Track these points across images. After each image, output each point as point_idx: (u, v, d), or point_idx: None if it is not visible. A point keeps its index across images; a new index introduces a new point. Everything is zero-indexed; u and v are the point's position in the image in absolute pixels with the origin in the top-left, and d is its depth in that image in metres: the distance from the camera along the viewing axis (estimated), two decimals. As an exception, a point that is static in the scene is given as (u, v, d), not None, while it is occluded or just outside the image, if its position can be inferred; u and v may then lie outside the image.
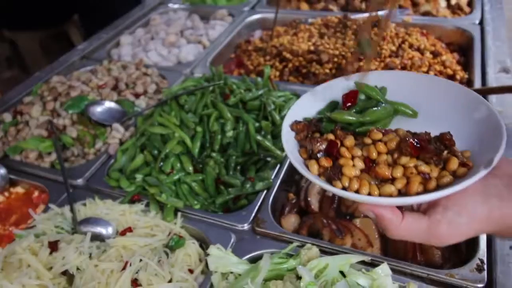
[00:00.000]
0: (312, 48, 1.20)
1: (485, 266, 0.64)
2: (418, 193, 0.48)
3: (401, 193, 0.50)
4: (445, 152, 0.52)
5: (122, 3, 1.78)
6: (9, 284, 0.59)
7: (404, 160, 0.51)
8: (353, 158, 0.53)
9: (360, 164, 0.52)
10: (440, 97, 0.59)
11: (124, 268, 0.63)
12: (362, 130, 0.56)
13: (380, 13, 1.12)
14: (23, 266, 0.64)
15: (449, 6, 1.46)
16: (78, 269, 0.64)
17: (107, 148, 0.96)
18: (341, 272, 0.63)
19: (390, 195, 0.49)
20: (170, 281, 0.64)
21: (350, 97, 0.60)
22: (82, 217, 0.78)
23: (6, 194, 0.92)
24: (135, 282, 0.62)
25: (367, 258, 0.66)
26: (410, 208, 0.53)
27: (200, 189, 0.82)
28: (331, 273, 0.62)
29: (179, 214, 0.78)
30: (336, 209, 0.83)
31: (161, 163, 0.86)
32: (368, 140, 0.54)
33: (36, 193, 0.91)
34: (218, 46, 1.35)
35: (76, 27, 2.83)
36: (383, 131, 0.55)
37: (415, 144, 0.50)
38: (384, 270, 0.63)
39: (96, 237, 0.72)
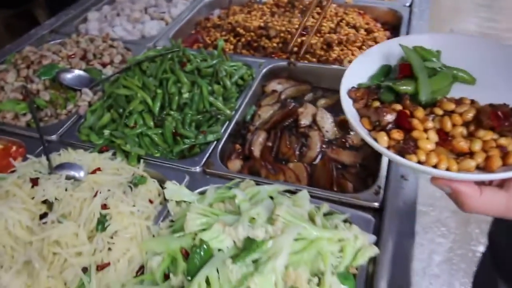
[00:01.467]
0: (262, 24, 1.35)
1: (382, 191, 0.82)
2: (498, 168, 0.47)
3: (478, 168, 0.48)
4: None
5: None
6: (0, 206, 0.72)
7: (482, 132, 0.49)
8: (425, 130, 0.51)
9: (434, 137, 0.50)
10: (503, 63, 0.56)
11: (95, 196, 0.77)
12: (429, 101, 0.54)
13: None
14: (10, 196, 0.77)
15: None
16: (56, 199, 0.78)
17: (78, 110, 1.09)
18: (271, 197, 0.80)
19: (469, 170, 0.47)
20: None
21: (407, 69, 0.57)
22: (57, 163, 0.91)
23: (-14, 149, 1.03)
24: (104, 206, 0.76)
25: (292, 188, 0.83)
26: (484, 184, 0.50)
27: (160, 140, 0.97)
28: (261, 196, 0.78)
29: (142, 160, 0.93)
30: (274, 156, 1.00)
31: (126, 120, 0.99)
32: (439, 111, 0.52)
33: (14, 148, 1.03)
34: (180, 22, 1.48)
35: (41, 7, 2.86)
36: (454, 100, 0.53)
37: (494, 114, 0.49)
38: (303, 194, 0.79)
39: (70, 178, 0.86)
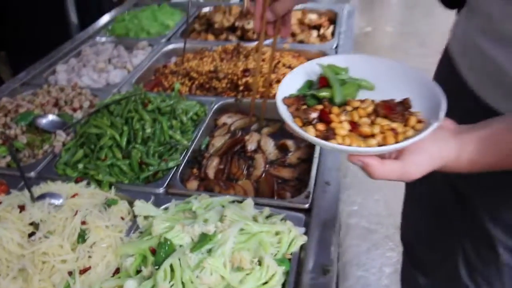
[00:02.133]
0: (212, 68, 1.58)
1: (310, 195, 1.03)
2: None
3: (379, 145, 0.63)
4: (406, 113, 0.66)
5: (51, 39, 2.04)
6: (-6, 228, 0.86)
7: (379, 120, 0.65)
8: (340, 122, 0.66)
9: (347, 126, 0.66)
10: (391, 74, 0.74)
11: (75, 214, 0.93)
12: (342, 102, 0.71)
13: (266, 42, 1.55)
14: (1, 220, 0.91)
15: (318, 35, 1.94)
16: (41, 220, 0.93)
17: (53, 149, 1.24)
18: (222, 206, 0.99)
19: (372, 147, 0.63)
20: (108, 223, 0.95)
21: (324, 81, 0.74)
22: (38, 195, 1.06)
23: (-30, 188, 1.16)
24: (83, 222, 0.92)
25: (239, 198, 1.02)
26: (385, 157, 0.66)
27: (127, 169, 1.15)
28: (214, 205, 0.96)
29: (113, 187, 1.09)
30: (226, 177, 1.20)
31: (98, 154, 1.16)
32: (349, 108, 0.69)
33: (-4, 186, 1.17)
34: (140, 70, 1.69)
35: (3, 63, 3.00)
36: (359, 100, 0.70)
37: (386, 106, 0.66)
38: (248, 201, 0.98)
39: (51, 205, 1.01)
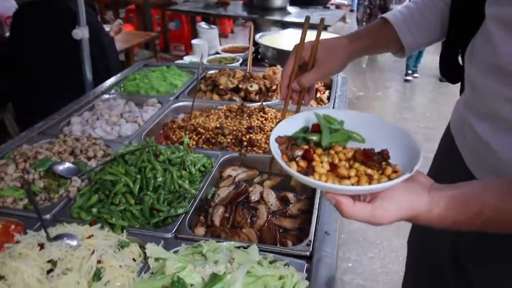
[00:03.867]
0: (218, 125, 1.71)
1: (311, 243, 1.11)
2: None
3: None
4: (383, 163, 0.72)
5: (56, 95, 2.17)
6: (17, 263, 0.92)
7: (357, 165, 0.72)
8: (321, 162, 0.73)
9: (326, 166, 0.72)
10: (380, 130, 0.83)
11: (92, 253, 0.99)
12: (327, 146, 0.79)
13: (266, 103, 1.70)
14: (23, 256, 0.97)
15: (316, 99, 2.10)
16: (59, 258, 0.99)
17: (68, 194, 1.32)
18: (229, 250, 1.05)
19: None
20: (121, 263, 1.01)
21: (316, 127, 0.82)
22: (54, 235, 1.12)
23: (-12, 229, 1.22)
24: (99, 261, 0.98)
25: (245, 244, 1.09)
26: (359, 199, 0.71)
27: (139, 214, 1.22)
28: (221, 249, 1.03)
29: (125, 230, 1.16)
30: (231, 225, 1.27)
31: (112, 199, 1.24)
32: (332, 151, 0.76)
33: (12, 227, 1.22)
34: (150, 124, 1.81)
35: (10, 114, 3.12)
36: (343, 147, 0.78)
37: (364, 154, 0.73)
38: (253, 247, 1.05)
39: (67, 245, 1.07)
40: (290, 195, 1.38)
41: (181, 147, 1.52)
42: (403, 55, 1.16)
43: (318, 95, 2.10)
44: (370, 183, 0.69)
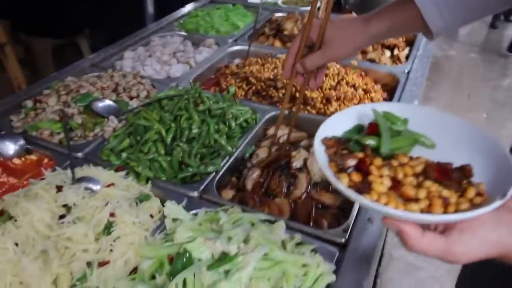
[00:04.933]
0: (272, 76, 1.54)
1: (349, 229, 0.95)
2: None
3: (422, 212, 0.54)
4: (464, 181, 0.57)
5: (128, 24, 2.12)
6: (29, 204, 0.88)
7: (428, 183, 0.56)
8: (381, 176, 0.57)
9: (387, 183, 0.56)
10: (458, 135, 0.66)
11: (106, 205, 0.92)
12: (387, 154, 0.63)
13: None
14: (38, 197, 0.93)
15: (392, 56, 1.82)
16: (74, 204, 0.94)
17: (103, 134, 1.27)
18: (252, 224, 0.93)
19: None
20: (136, 219, 0.94)
21: (374, 127, 0.67)
22: (79, 176, 1.08)
23: (23, 159, 1.21)
24: (112, 214, 0.91)
25: (272, 218, 0.96)
26: (428, 228, 0.57)
27: (167, 166, 1.13)
28: (243, 221, 0.92)
29: (149, 181, 1.08)
30: (264, 192, 1.14)
31: (142, 146, 1.16)
32: (395, 163, 0.60)
33: (46, 160, 1.20)
34: (202, 67, 1.68)
35: (86, 39, 3.19)
36: (409, 156, 0.61)
37: (440, 170, 0.57)
38: (280, 224, 0.92)
39: (88, 189, 1.02)
40: (338, 167, 1.20)
41: (227, 96, 1.39)
42: (432, 38, 0.89)
43: (396, 52, 1.81)
44: (445, 210, 0.54)
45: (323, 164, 0.62)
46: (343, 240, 0.93)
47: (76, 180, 1.04)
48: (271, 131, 1.35)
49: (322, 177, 1.19)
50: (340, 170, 0.60)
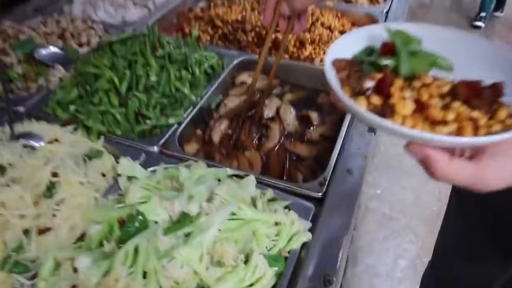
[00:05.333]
0: (240, 18, 1.38)
1: (326, 182, 0.85)
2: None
3: (451, 136, 0.49)
4: (494, 102, 0.51)
5: None
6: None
7: (456, 105, 0.50)
8: (403, 98, 0.51)
9: (411, 105, 0.51)
10: (481, 55, 0.59)
11: (46, 164, 0.79)
12: (407, 76, 0.56)
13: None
14: (-36, 157, 0.79)
15: (369, -5, 1.68)
16: (9, 164, 0.81)
17: (48, 85, 1.11)
18: (219, 180, 0.83)
19: None
20: (84, 179, 0.82)
21: (389, 47, 0.60)
22: (19, 133, 0.93)
23: (-47, 115, 1.05)
24: (54, 174, 0.79)
25: (241, 173, 0.86)
26: (454, 154, 0.51)
27: (122, 119, 1.00)
28: (209, 178, 0.81)
29: (102, 137, 0.95)
30: (233, 144, 1.03)
31: (92, 97, 1.02)
32: (418, 83, 0.54)
33: (-19, 116, 1.05)
34: (162, 10, 1.51)
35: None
36: (432, 77, 0.55)
37: (469, 88, 0.51)
38: (250, 179, 0.82)
39: (28, 147, 0.88)
40: (314, 115, 1.10)
41: (190, 41, 1.24)
42: None
43: (374, -9, 1.67)
44: (476, 133, 0.48)
45: (337, 87, 0.54)
46: (320, 194, 0.83)
47: (16, 137, 0.90)
48: (240, 78, 1.22)
49: (296, 126, 1.08)
50: (357, 93, 0.53)
